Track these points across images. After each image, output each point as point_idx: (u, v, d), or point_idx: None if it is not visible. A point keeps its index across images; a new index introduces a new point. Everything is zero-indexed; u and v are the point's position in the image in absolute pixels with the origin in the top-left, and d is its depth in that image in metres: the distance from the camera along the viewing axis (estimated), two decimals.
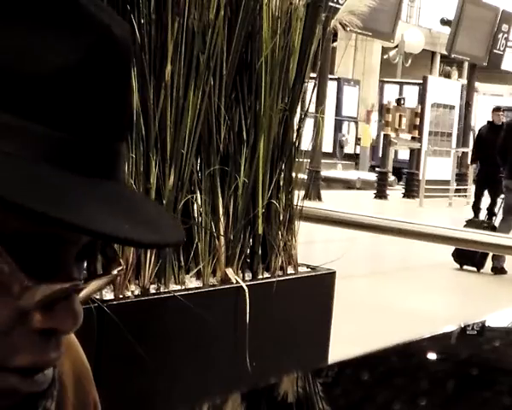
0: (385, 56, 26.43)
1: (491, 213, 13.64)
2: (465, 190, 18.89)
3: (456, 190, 18.93)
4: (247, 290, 2.92)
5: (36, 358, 0.63)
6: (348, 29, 3.59)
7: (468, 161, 18.38)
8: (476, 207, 14.08)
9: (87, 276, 0.66)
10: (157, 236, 0.63)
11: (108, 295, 2.60)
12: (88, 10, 0.62)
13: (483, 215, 13.51)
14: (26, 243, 0.61)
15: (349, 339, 4.37)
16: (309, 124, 3.55)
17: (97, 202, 0.60)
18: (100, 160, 0.62)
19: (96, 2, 0.63)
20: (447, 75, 24.06)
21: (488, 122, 15.38)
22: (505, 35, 20.69)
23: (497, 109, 15.53)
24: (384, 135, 18.83)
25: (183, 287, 2.84)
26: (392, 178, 19.53)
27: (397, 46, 22.98)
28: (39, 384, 0.65)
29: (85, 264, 0.68)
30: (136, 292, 2.70)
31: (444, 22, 23.44)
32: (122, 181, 0.66)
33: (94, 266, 0.73)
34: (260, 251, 3.19)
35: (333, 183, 18.97)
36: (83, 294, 0.66)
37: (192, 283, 2.90)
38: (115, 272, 0.68)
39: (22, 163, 0.59)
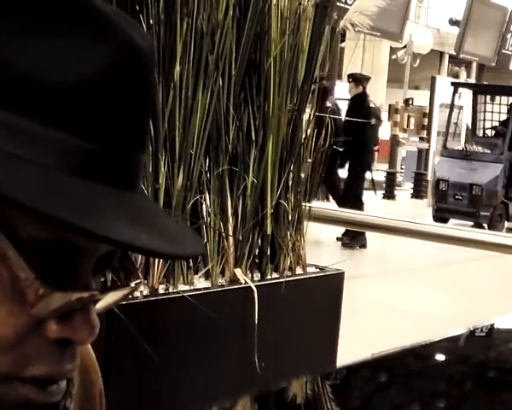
0: (393, 57, 26.37)
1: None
2: None
3: None
4: (255, 291, 2.91)
5: (50, 368, 0.63)
6: (356, 29, 3.59)
7: None
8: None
9: (104, 287, 0.66)
10: (175, 247, 0.63)
11: None
12: (111, 20, 0.62)
13: None
14: (43, 251, 0.61)
15: (357, 340, 4.36)
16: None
17: (118, 212, 0.60)
18: (122, 170, 0.63)
19: (120, 13, 0.63)
20: (455, 75, 23.99)
21: None
22: None
23: None
24: (392, 135, 18.79)
25: (192, 287, 2.84)
26: (400, 178, 19.49)
27: (405, 46, 22.90)
28: (53, 396, 0.65)
29: (103, 275, 0.68)
30: (145, 292, 2.70)
31: (452, 22, 23.40)
32: (141, 192, 0.66)
33: (112, 277, 0.73)
34: (269, 251, 3.19)
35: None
36: (100, 305, 0.66)
37: (201, 283, 2.90)
38: (133, 284, 0.68)
39: (45, 170, 0.59)
